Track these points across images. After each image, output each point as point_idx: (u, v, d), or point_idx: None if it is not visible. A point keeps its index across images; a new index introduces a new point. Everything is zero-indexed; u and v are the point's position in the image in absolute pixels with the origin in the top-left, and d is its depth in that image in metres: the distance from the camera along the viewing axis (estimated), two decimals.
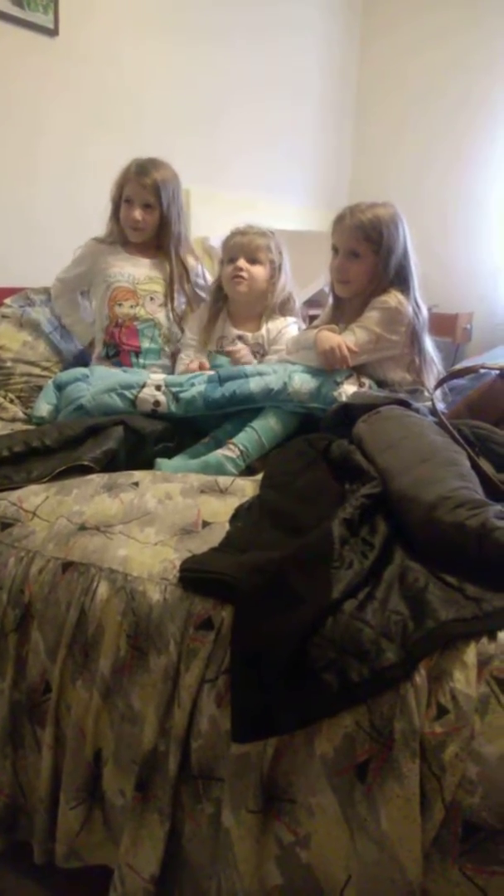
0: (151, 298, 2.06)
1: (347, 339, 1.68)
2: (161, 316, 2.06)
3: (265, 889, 0.92)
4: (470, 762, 0.81)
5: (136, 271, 2.06)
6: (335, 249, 1.78)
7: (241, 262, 1.87)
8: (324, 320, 1.90)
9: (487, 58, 3.72)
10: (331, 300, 1.93)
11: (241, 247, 1.89)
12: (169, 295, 2.07)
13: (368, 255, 1.72)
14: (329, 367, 1.66)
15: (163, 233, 2.07)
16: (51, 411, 1.78)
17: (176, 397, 1.67)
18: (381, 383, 1.74)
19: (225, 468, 1.53)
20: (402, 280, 1.74)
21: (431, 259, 1.84)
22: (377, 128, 4.09)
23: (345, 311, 1.84)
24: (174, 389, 1.67)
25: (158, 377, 1.73)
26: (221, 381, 1.68)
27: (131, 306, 2.03)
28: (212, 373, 1.74)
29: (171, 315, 2.07)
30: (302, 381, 1.64)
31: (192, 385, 1.69)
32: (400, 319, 1.70)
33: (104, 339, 2.06)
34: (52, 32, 2.38)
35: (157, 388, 1.68)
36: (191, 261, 2.14)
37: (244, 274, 1.87)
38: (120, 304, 2.04)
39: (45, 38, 2.37)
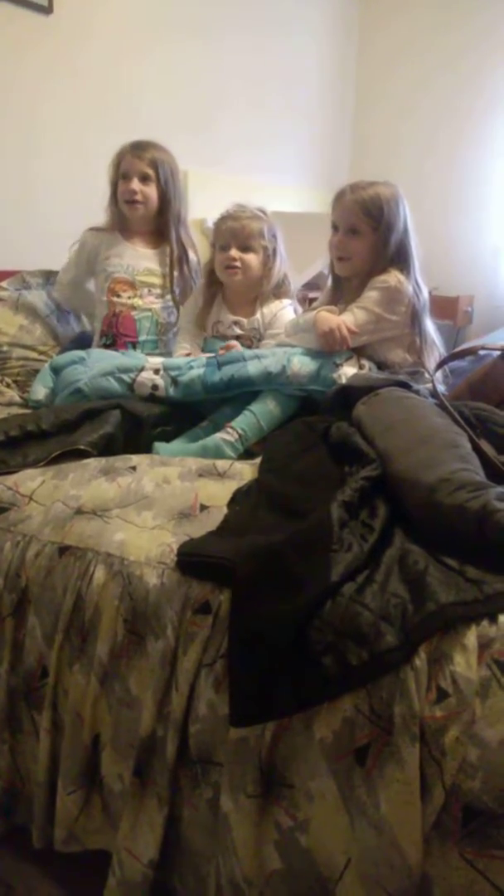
0: (149, 290, 2.04)
1: (347, 320, 1.66)
2: (158, 307, 2.05)
3: (264, 873, 0.91)
4: (470, 746, 0.80)
5: (135, 262, 2.04)
6: (335, 227, 1.76)
7: (234, 252, 1.84)
8: (323, 301, 1.88)
9: (488, 43, 3.67)
10: (330, 281, 1.90)
11: (234, 233, 1.85)
12: (169, 277, 2.05)
13: (368, 232, 1.70)
14: (329, 348, 1.64)
15: (163, 214, 2.04)
16: (47, 395, 1.76)
17: (174, 381, 1.65)
18: (381, 364, 1.72)
19: (223, 451, 1.52)
20: (402, 259, 1.72)
21: (432, 242, 1.82)
22: (378, 108, 4.05)
23: (344, 291, 1.82)
24: (172, 373, 1.66)
25: (157, 360, 1.71)
26: (220, 364, 1.66)
27: (129, 297, 2.02)
28: (210, 356, 1.72)
29: (171, 303, 2.05)
30: (301, 364, 1.62)
31: (191, 368, 1.67)
32: (400, 299, 1.68)
33: (102, 328, 2.04)
34: (46, 10, 2.36)
35: (156, 371, 1.66)
36: (191, 255, 2.11)
37: (238, 264, 1.85)
38: (118, 295, 2.02)
39: (39, 16, 2.34)
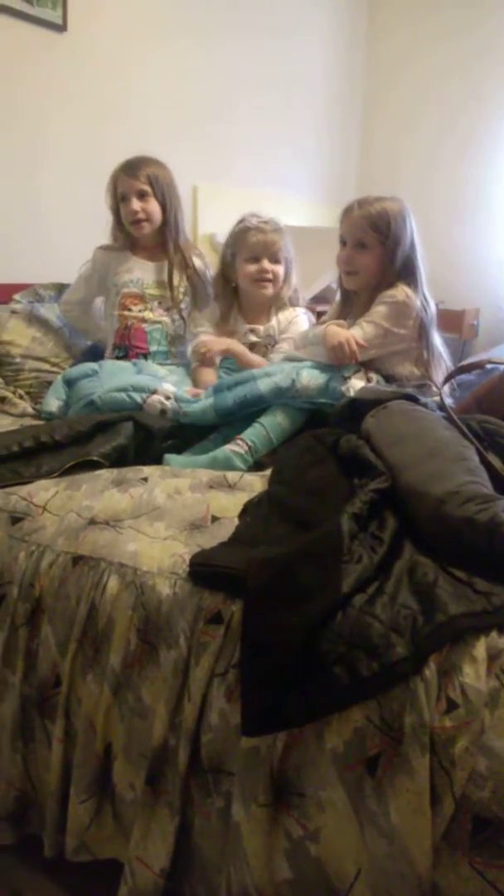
0: (159, 303, 2.07)
1: (356, 334, 1.68)
2: (167, 319, 2.08)
3: (275, 883, 0.92)
4: (480, 756, 0.81)
5: (145, 276, 2.07)
6: (343, 241, 1.79)
7: (266, 264, 1.88)
8: (332, 315, 1.91)
9: (495, 54, 3.70)
10: (338, 295, 1.93)
11: (265, 247, 1.89)
12: (176, 288, 2.06)
13: (376, 246, 1.73)
14: (338, 362, 1.66)
15: (166, 228, 2.06)
16: (60, 407, 1.79)
17: (182, 410, 1.66)
18: (389, 378, 1.74)
19: (233, 463, 1.54)
20: (409, 273, 1.74)
21: (438, 255, 1.85)
22: (384, 123, 4.08)
23: (353, 305, 1.85)
24: (182, 404, 1.67)
25: (170, 389, 1.71)
26: (229, 388, 1.68)
27: (140, 310, 2.05)
28: (217, 383, 1.75)
29: (176, 316, 2.07)
30: (310, 377, 1.64)
31: (199, 402, 1.68)
32: (407, 313, 1.70)
33: (114, 341, 2.08)
34: (61, 28, 2.39)
35: (167, 398, 1.67)
36: (197, 262, 2.14)
37: (270, 276, 1.89)
38: (129, 309, 2.05)
39: (53, 34, 2.38)
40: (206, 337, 1.94)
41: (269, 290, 1.92)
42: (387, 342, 1.71)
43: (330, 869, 0.89)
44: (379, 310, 1.71)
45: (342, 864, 0.87)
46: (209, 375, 1.89)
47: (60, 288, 2.28)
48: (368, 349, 1.68)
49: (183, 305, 2.09)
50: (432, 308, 1.76)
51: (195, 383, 1.88)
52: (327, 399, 1.62)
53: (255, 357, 1.91)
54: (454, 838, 0.81)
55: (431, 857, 0.81)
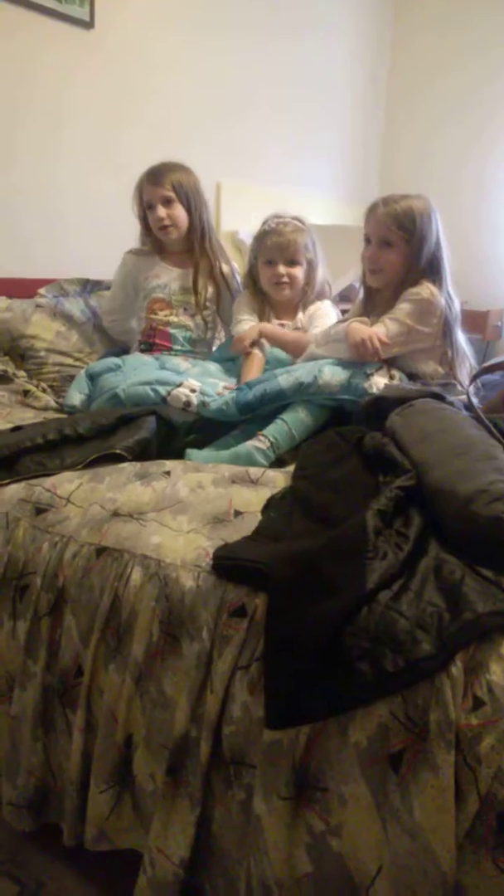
0: (185, 309, 2.09)
1: (379, 331, 1.67)
2: (191, 323, 2.10)
3: (295, 876, 0.92)
4: None
5: (172, 283, 2.10)
6: (367, 239, 1.78)
7: (281, 269, 1.89)
8: (355, 312, 1.90)
9: None
10: (362, 293, 1.92)
11: (280, 249, 1.89)
12: (203, 294, 2.08)
13: (401, 245, 1.72)
14: (360, 359, 1.66)
15: (193, 232, 2.08)
16: (83, 401, 1.79)
17: (204, 404, 1.67)
18: (412, 376, 1.73)
19: (255, 459, 1.53)
20: (434, 272, 1.73)
21: (462, 256, 1.84)
22: (408, 121, 4.06)
23: (376, 303, 1.84)
24: (206, 398, 1.68)
25: (195, 383, 1.72)
26: (250, 385, 1.68)
27: (166, 315, 2.08)
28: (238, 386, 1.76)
29: (200, 321, 2.09)
30: (332, 374, 1.63)
31: (223, 398, 1.69)
32: (432, 311, 1.69)
33: (140, 338, 2.11)
34: (88, 25, 2.40)
35: (192, 390, 1.68)
36: (225, 268, 2.15)
37: (286, 280, 1.89)
38: (155, 313, 2.09)
39: (80, 31, 2.39)
40: (243, 327, 1.95)
41: (287, 291, 1.93)
42: (410, 340, 1.70)
43: (351, 864, 0.88)
44: (403, 307, 1.70)
45: (364, 859, 0.87)
46: (257, 365, 1.89)
47: (85, 283, 2.29)
48: (391, 346, 1.68)
49: (207, 312, 2.10)
50: (457, 306, 1.75)
51: (244, 375, 1.88)
52: (350, 395, 1.62)
53: (288, 333, 1.92)
54: (478, 836, 0.81)
55: (455, 854, 0.80)
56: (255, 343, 1.91)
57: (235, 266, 2.22)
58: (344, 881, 0.89)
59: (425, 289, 1.71)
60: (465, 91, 3.82)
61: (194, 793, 1.00)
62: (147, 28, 2.63)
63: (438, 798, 0.81)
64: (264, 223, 1.96)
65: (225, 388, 1.76)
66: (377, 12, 3.90)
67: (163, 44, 2.70)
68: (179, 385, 1.68)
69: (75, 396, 1.81)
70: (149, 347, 2.07)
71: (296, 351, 1.87)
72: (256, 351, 1.90)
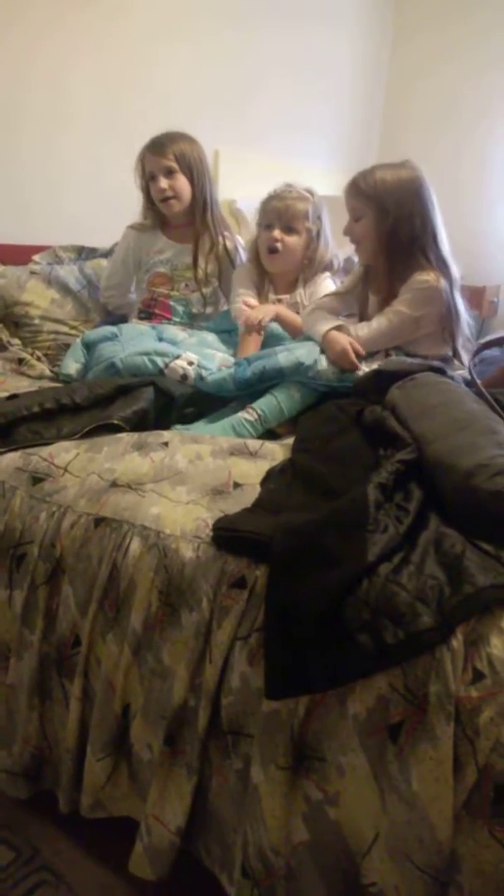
0: (186, 285, 2.07)
1: (360, 332, 1.67)
2: (193, 297, 2.08)
3: (291, 844, 0.93)
4: None
5: (175, 259, 2.07)
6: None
7: (277, 233, 1.85)
8: (350, 282, 1.87)
9: None
10: (358, 269, 1.90)
11: (279, 213, 1.85)
12: (203, 269, 2.05)
13: (368, 215, 1.71)
14: (343, 367, 1.64)
15: (195, 204, 2.04)
16: (79, 370, 1.78)
17: (202, 377, 1.65)
18: (410, 355, 1.72)
19: (241, 430, 1.53)
20: (424, 243, 1.70)
21: (458, 232, 1.81)
22: (410, 91, 3.99)
23: (371, 277, 1.82)
24: (203, 371, 1.66)
25: (193, 356, 1.70)
26: (249, 361, 1.67)
27: (167, 289, 2.07)
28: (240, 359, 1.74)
29: (199, 296, 2.07)
30: (330, 362, 1.62)
31: (221, 371, 1.68)
32: (435, 297, 1.67)
33: (140, 307, 2.10)
34: None
35: (189, 363, 1.66)
36: (228, 244, 2.11)
37: (278, 245, 1.85)
38: (157, 287, 2.07)
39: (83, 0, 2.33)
40: (254, 303, 1.92)
41: (277, 261, 1.88)
42: (406, 332, 1.69)
43: (348, 832, 0.89)
44: (405, 297, 1.69)
45: (360, 828, 0.88)
46: (254, 345, 1.87)
47: (80, 250, 2.26)
48: (373, 347, 1.67)
49: (208, 289, 2.07)
50: (455, 274, 1.73)
51: (241, 351, 1.86)
52: (346, 382, 1.61)
53: (299, 320, 1.88)
54: (475, 806, 0.82)
55: (452, 823, 0.81)
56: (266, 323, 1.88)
57: (240, 240, 2.18)
58: (340, 849, 0.90)
59: (427, 275, 1.68)
60: (468, 67, 3.75)
61: (191, 762, 1.00)
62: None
63: (436, 769, 0.81)
64: (273, 190, 1.93)
65: (222, 365, 1.74)
66: (378, 3, 3.82)
67: (168, 11, 2.63)
68: (177, 357, 1.66)
69: (71, 365, 1.79)
70: (148, 316, 2.05)
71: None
72: (256, 336, 1.87)
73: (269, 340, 1.86)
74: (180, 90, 2.73)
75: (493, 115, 3.74)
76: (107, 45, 2.44)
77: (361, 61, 3.82)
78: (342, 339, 1.65)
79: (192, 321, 2.07)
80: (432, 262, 1.69)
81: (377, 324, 1.69)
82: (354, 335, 1.67)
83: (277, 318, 1.88)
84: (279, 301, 1.93)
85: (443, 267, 1.71)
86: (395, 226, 1.68)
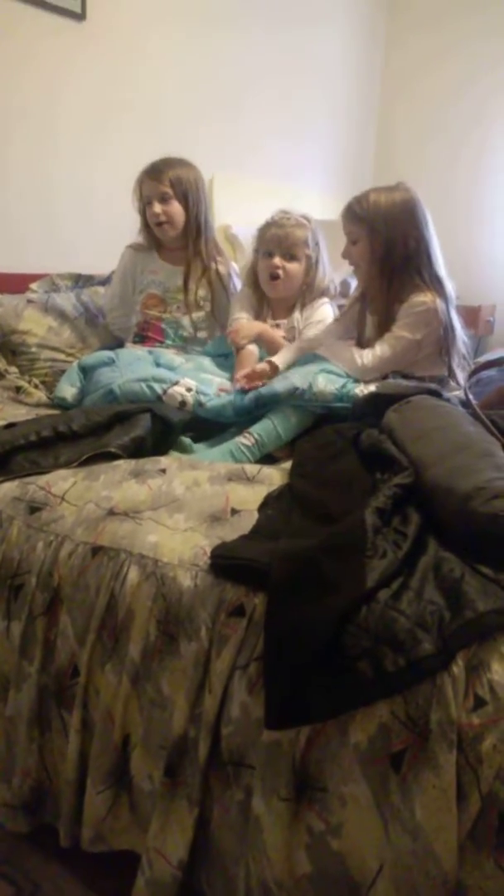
0: (178, 307, 2.09)
1: (365, 360, 1.70)
2: (186, 321, 2.09)
3: (294, 877, 0.92)
4: None
5: (168, 280, 2.09)
6: None
7: (278, 260, 1.87)
8: (349, 306, 1.89)
9: None
10: (357, 291, 1.93)
11: (279, 241, 1.87)
12: (193, 293, 2.07)
13: (362, 239, 1.74)
14: None
15: (189, 230, 2.06)
16: (74, 394, 1.78)
17: (201, 404, 1.66)
18: (406, 376, 1.73)
19: (238, 455, 1.53)
20: (419, 264, 1.72)
21: (454, 251, 1.84)
22: (403, 115, 4.05)
23: (369, 297, 1.84)
24: (202, 397, 1.67)
25: (191, 382, 1.71)
26: (246, 391, 1.67)
27: (160, 312, 2.08)
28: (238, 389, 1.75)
29: (192, 320, 2.08)
30: (326, 382, 1.63)
31: (219, 397, 1.68)
32: (431, 320, 1.69)
33: (135, 330, 2.11)
34: (80, 17, 2.38)
35: (188, 389, 1.67)
36: (221, 269, 2.13)
37: (280, 272, 1.87)
38: (150, 308, 2.09)
39: (72, 23, 2.37)
40: (242, 321, 1.94)
41: (280, 287, 1.90)
42: (409, 356, 1.71)
43: (352, 864, 0.88)
44: (406, 321, 1.71)
45: (364, 859, 0.87)
46: (250, 357, 1.88)
47: (78, 278, 2.28)
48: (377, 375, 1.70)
49: (199, 314, 2.09)
50: (451, 292, 1.75)
51: (238, 367, 1.88)
52: (343, 403, 1.61)
53: (283, 342, 1.91)
54: (480, 836, 0.81)
55: (457, 854, 0.80)
56: (249, 340, 1.90)
57: (235, 267, 2.20)
58: (344, 881, 0.89)
59: (425, 296, 1.70)
60: (459, 83, 3.81)
61: (193, 793, 0.99)
62: (140, 20, 2.60)
63: (440, 798, 0.81)
64: (269, 217, 1.95)
65: (221, 390, 1.75)
66: (372, 7, 3.88)
67: (156, 35, 2.67)
68: (175, 383, 1.67)
69: (66, 389, 1.80)
70: (142, 340, 2.07)
71: None
72: (251, 347, 1.89)
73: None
74: (171, 115, 2.77)
75: (486, 124, 3.78)
76: (94, 70, 2.47)
77: (354, 76, 3.88)
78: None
79: (184, 344, 2.08)
80: (427, 281, 1.71)
81: (381, 351, 1.72)
82: (360, 364, 1.70)
83: (260, 337, 1.89)
84: (277, 326, 1.95)
85: (438, 286, 1.73)
86: (389, 247, 1.71)
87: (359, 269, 1.82)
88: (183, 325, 2.08)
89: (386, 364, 1.71)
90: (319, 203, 3.51)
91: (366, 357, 1.71)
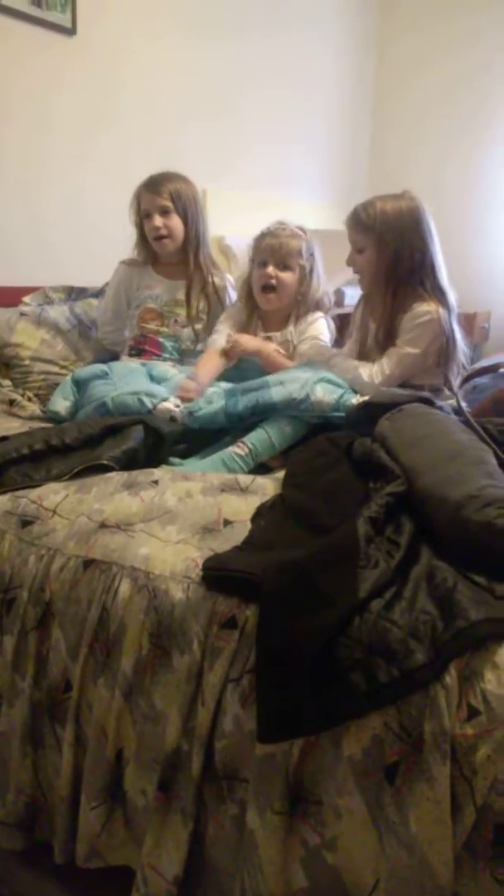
0: (175, 321, 2.08)
1: (376, 379, 1.72)
2: (184, 334, 2.09)
3: (290, 891, 0.91)
4: (502, 764, 0.79)
5: (165, 294, 2.09)
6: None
7: (271, 270, 1.86)
8: (355, 319, 1.90)
9: None
10: (358, 301, 1.93)
11: (272, 251, 1.87)
12: (186, 307, 2.06)
13: (369, 247, 1.74)
14: None
15: (189, 244, 2.06)
16: (68, 408, 1.78)
17: (192, 414, 1.65)
18: (407, 384, 1.73)
19: (232, 465, 1.53)
20: (423, 274, 1.72)
21: (449, 258, 1.84)
22: (394, 125, 4.07)
23: (372, 306, 1.84)
24: (191, 408, 1.66)
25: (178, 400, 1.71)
26: (241, 393, 1.66)
27: (157, 325, 2.08)
28: (229, 386, 1.73)
29: (192, 331, 2.07)
30: (324, 392, 1.62)
31: (210, 403, 1.67)
32: (435, 330, 1.70)
33: (130, 344, 2.11)
34: (70, 31, 2.39)
35: (177, 405, 1.66)
36: (217, 282, 2.13)
37: (273, 282, 1.86)
38: (147, 323, 2.08)
39: (62, 37, 2.38)
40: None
41: (272, 299, 1.89)
42: (416, 370, 1.71)
43: (347, 878, 0.87)
44: (410, 336, 1.71)
45: (360, 873, 0.86)
46: (211, 366, 1.87)
47: (71, 291, 2.28)
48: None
49: (199, 326, 2.08)
50: (453, 302, 1.75)
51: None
52: (340, 413, 1.61)
53: (285, 362, 1.88)
54: (475, 848, 0.80)
55: (452, 867, 0.79)
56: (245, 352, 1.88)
57: (230, 279, 2.20)
58: (340, 895, 0.88)
59: (429, 306, 1.70)
60: (450, 89, 3.83)
61: (187, 808, 0.98)
62: (129, 34, 2.62)
63: (434, 810, 0.80)
64: (265, 227, 1.95)
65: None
66: (362, 12, 3.90)
67: (146, 49, 2.69)
68: (165, 399, 1.66)
69: (60, 403, 1.79)
70: (138, 353, 2.06)
71: None
72: (222, 361, 1.88)
73: (255, 371, 1.87)
74: (162, 128, 2.78)
75: (478, 130, 3.79)
76: (85, 84, 2.48)
77: (345, 85, 3.90)
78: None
79: (181, 357, 2.08)
80: (430, 291, 1.72)
81: (389, 370, 1.72)
82: (370, 382, 1.72)
83: (259, 353, 1.89)
84: (268, 339, 1.94)
85: (441, 296, 1.73)
86: (395, 257, 1.72)
87: (363, 278, 1.82)
88: (181, 338, 2.08)
89: (394, 381, 1.72)
90: (313, 212, 3.53)
91: (377, 377, 1.72)
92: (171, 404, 1.65)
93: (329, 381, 1.65)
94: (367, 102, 4.09)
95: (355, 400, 1.61)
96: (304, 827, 0.90)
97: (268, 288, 1.88)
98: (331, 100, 3.82)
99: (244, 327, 1.98)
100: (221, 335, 1.95)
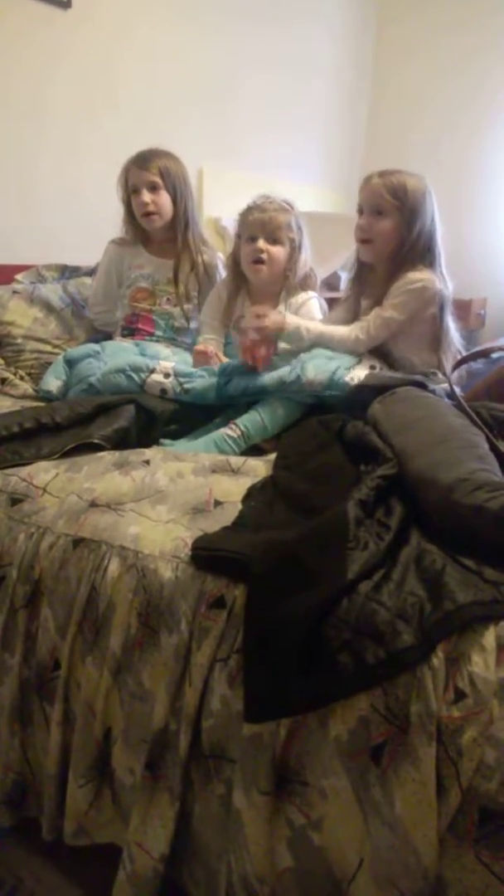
0: (168, 299, 2.06)
1: (361, 336, 1.69)
2: (176, 312, 2.06)
3: (276, 871, 0.91)
4: (488, 747, 0.79)
5: (156, 273, 2.06)
6: (360, 210, 1.75)
7: (261, 244, 1.83)
8: (346, 293, 1.87)
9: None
10: (353, 271, 1.89)
11: (262, 225, 1.83)
12: (184, 284, 2.05)
13: (393, 214, 1.69)
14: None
15: (176, 221, 2.04)
16: (60, 387, 1.76)
17: (183, 387, 1.64)
18: (393, 366, 1.71)
19: (224, 446, 1.52)
20: (428, 253, 1.70)
21: (445, 244, 1.81)
22: (392, 109, 4.03)
23: (369, 282, 1.81)
24: (182, 380, 1.65)
25: (168, 365, 1.69)
26: (231, 374, 1.65)
27: (149, 304, 2.05)
28: (222, 363, 1.71)
29: (184, 311, 2.05)
30: (315, 370, 1.60)
31: (202, 377, 1.66)
32: (429, 298, 1.67)
33: (122, 324, 2.08)
34: (65, 5, 2.35)
35: (166, 375, 1.65)
36: (207, 259, 2.10)
37: (264, 256, 1.83)
38: (139, 302, 2.06)
39: (57, 11, 2.34)
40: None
41: (263, 272, 1.86)
42: (400, 328, 1.68)
43: (332, 858, 0.87)
44: (397, 301, 1.68)
45: (345, 853, 0.86)
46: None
47: (64, 269, 2.26)
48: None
49: (190, 305, 2.06)
50: (449, 289, 1.73)
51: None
52: (333, 391, 1.59)
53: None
54: (460, 830, 0.80)
55: (437, 848, 0.79)
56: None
57: (220, 256, 2.17)
58: (325, 875, 0.88)
59: (425, 275, 1.68)
60: (447, 74, 3.80)
61: (174, 787, 0.98)
62: (126, 8, 2.57)
63: (420, 791, 0.80)
64: (251, 201, 1.92)
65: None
66: None
67: (143, 24, 2.64)
68: (153, 371, 1.65)
69: (52, 382, 1.78)
70: (131, 333, 2.04)
71: None
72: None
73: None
74: (158, 106, 2.74)
75: (477, 114, 3.76)
76: (80, 60, 2.44)
77: (344, 67, 3.86)
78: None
79: (175, 335, 2.06)
80: (429, 267, 1.70)
81: (374, 331, 1.70)
82: (354, 338, 1.70)
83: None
84: (258, 317, 1.91)
85: (441, 281, 1.71)
86: (414, 234, 1.69)
87: (371, 246, 1.75)
88: (174, 316, 2.06)
89: (375, 343, 1.71)
90: (311, 195, 3.51)
91: (360, 333, 1.70)
92: (160, 375, 1.64)
93: (319, 359, 1.63)
94: (365, 86, 4.05)
95: (348, 378, 1.59)
96: (290, 807, 0.90)
97: (258, 261, 1.86)
98: (329, 82, 3.78)
99: (228, 304, 1.95)
100: (211, 342, 1.92)
